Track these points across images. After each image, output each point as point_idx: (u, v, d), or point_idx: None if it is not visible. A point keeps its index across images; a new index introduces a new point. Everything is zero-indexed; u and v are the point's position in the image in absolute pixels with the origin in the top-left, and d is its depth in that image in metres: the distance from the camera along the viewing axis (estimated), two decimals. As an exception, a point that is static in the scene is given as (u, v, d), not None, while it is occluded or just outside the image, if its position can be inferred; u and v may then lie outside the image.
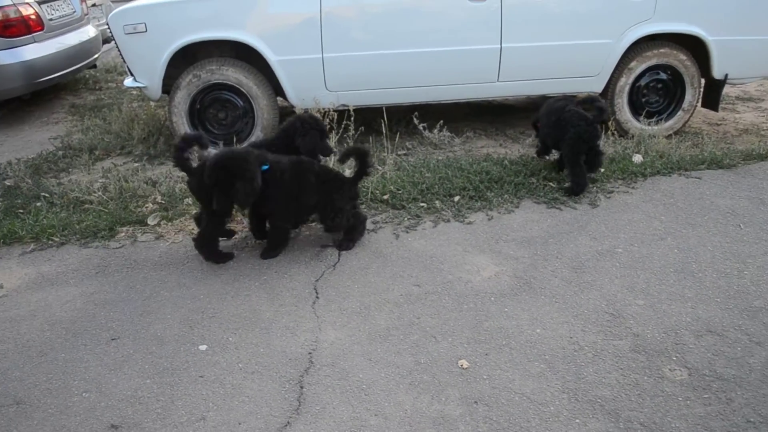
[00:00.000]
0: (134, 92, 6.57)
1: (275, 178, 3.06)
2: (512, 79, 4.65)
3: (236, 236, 3.46)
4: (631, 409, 2.21)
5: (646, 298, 2.81)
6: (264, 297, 2.92)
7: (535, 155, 4.30)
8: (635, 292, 2.85)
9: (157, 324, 2.75)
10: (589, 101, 3.92)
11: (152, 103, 5.61)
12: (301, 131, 3.37)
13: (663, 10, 4.65)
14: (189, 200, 3.80)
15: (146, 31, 4.40)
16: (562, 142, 3.78)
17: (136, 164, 4.66)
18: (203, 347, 2.60)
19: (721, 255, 3.14)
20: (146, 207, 3.78)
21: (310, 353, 2.53)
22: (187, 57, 4.56)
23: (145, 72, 4.55)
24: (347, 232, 3.28)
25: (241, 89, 4.55)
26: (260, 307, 2.85)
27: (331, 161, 3.82)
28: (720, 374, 2.36)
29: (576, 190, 3.74)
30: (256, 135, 4.61)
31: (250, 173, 2.88)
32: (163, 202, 3.83)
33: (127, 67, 4.63)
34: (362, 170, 3.21)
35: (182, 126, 4.60)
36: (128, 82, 4.68)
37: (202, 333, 2.68)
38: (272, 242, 3.25)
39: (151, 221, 3.64)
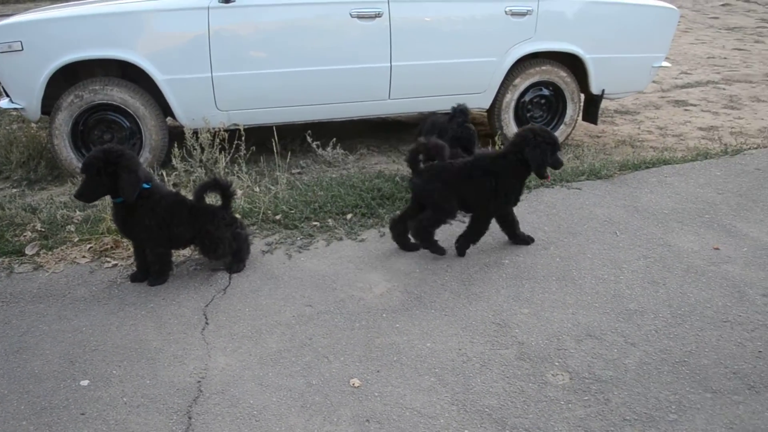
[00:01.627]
0: (13, 113, 6.23)
1: (150, 205, 2.98)
2: (403, 96, 4.75)
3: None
4: (517, 416, 2.28)
5: (530, 307, 2.93)
6: (151, 326, 2.83)
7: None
8: (520, 302, 2.97)
9: (35, 360, 2.61)
10: (459, 113, 4.05)
11: (33, 125, 5.34)
12: (533, 143, 3.21)
13: (543, 30, 4.90)
14: (72, 227, 3.63)
15: (22, 49, 4.19)
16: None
17: (14, 190, 4.42)
18: (85, 382, 2.48)
19: (599, 262, 3.32)
20: (24, 236, 3.58)
21: (199, 382, 2.47)
22: (68, 76, 4.38)
23: (23, 93, 4.33)
24: (235, 255, 3.23)
25: (127, 109, 4.41)
26: (147, 336, 2.76)
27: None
28: (599, 376, 2.49)
29: None
30: (144, 157, 4.47)
31: None
32: (43, 229, 3.64)
33: (2, 87, 4.39)
34: (226, 196, 3.15)
35: (64, 149, 4.40)
36: (3, 103, 4.43)
37: (84, 367, 2.57)
38: (154, 268, 3.15)
39: (29, 251, 3.45)
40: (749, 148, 5.11)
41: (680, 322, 2.83)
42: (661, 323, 2.81)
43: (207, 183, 3.15)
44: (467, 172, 3.27)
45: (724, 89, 7.91)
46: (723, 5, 17.10)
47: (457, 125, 4.01)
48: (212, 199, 3.44)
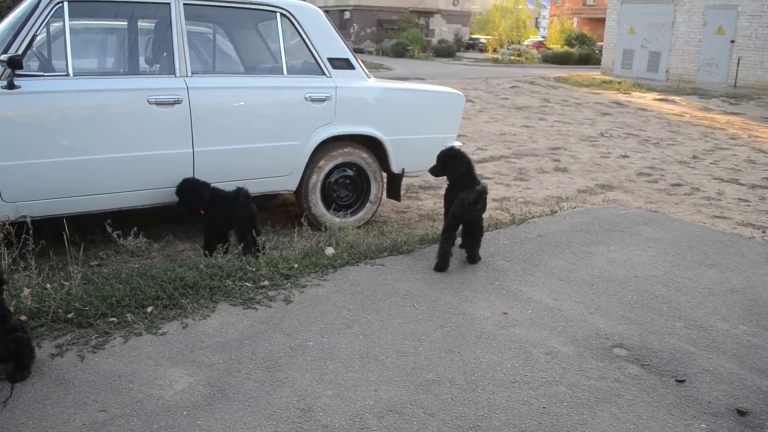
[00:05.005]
0: None
1: None
2: (209, 181, 4.72)
3: None
4: (320, 502, 2.28)
5: (334, 388, 2.97)
6: None
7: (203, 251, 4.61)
8: (324, 383, 3.00)
9: None
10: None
11: None
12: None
13: (342, 115, 5.16)
14: None
15: None
16: (234, 224, 4.53)
17: None
18: None
19: (400, 335, 3.46)
20: None
21: None
22: None
23: None
24: (17, 360, 2.96)
25: None
26: None
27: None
28: (400, 451, 2.56)
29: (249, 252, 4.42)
30: None
31: None
32: None
33: None
34: None
35: None
36: None
37: None
38: None
39: None
40: (533, 217, 5.66)
41: (474, 387, 3.01)
42: (456, 390, 2.97)
43: None
44: None
45: (514, 163, 8.75)
46: (512, 87, 19.07)
47: (242, 205, 4.51)
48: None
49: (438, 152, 4.64)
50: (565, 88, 19.55)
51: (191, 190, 4.55)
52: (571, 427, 2.75)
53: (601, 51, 30.62)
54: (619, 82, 21.29)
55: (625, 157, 9.35)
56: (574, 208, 6.19)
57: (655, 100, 17.06)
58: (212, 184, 4.62)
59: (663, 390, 3.04)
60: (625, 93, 18.75)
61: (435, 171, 4.72)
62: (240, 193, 4.53)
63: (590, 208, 6.14)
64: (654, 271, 4.43)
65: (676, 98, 17.63)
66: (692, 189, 7.53)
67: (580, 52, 37.90)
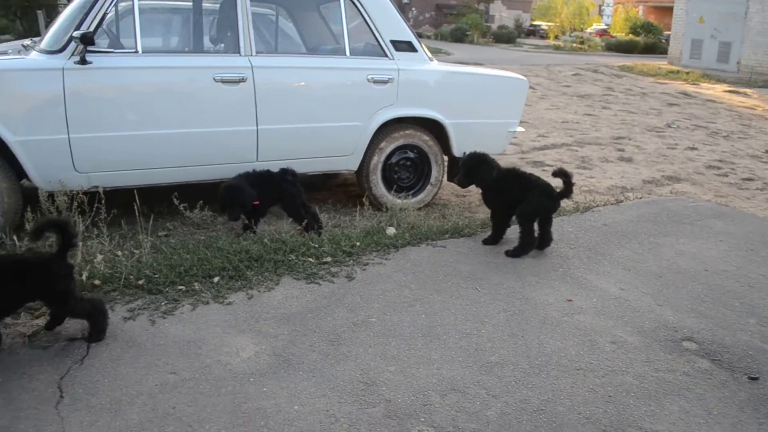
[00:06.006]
0: None
1: None
2: (271, 158, 4.78)
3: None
4: (383, 475, 2.30)
5: (397, 364, 2.98)
6: (-2, 403, 2.62)
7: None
8: (387, 359, 3.01)
9: None
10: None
11: None
12: None
13: (404, 97, 5.14)
14: None
15: None
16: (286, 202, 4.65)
17: None
18: None
19: (462, 316, 3.45)
20: None
21: (49, 462, 2.30)
22: None
23: None
24: (93, 322, 3.07)
25: (-24, 172, 4.14)
26: (-8, 415, 2.54)
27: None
28: (462, 429, 2.56)
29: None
30: (-5, 221, 4.19)
31: None
32: None
33: None
34: (66, 242, 2.97)
35: None
36: None
37: None
38: None
39: None
40: (597, 206, 5.54)
41: (537, 371, 2.97)
42: (520, 374, 2.95)
43: (47, 223, 2.99)
44: None
45: (576, 151, 8.57)
46: (574, 75, 18.66)
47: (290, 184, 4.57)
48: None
49: (500, 136, 4.51)
50: (630, 77, 19.03)
51: (236, 195, 4.38)
52: (638, 417, 2.69)
53: (667, 40, 29.69)
54: (687, 73, 20.58)
55: (693, 149, 9.05)
56: (641, 198, 6.04)
57: (725, 91, 16.44)
58: (252, 170, 4.62)
59: (735, 386, 2.94)
60: (693, 84, 18.14)
61: (462, 181, 4.56)
62: (287, 173, 4.57)
63: (658, 199, 5.98)
64: (725, 266, 4.28)
65: (748, 90, 16.96)
66: (765, 184, 7.24)
67: (646, 41, 36.76)
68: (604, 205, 5.61)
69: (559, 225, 4.89)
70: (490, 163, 4.43)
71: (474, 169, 4.46)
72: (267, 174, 4.58)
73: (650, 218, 5.21)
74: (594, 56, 30.78)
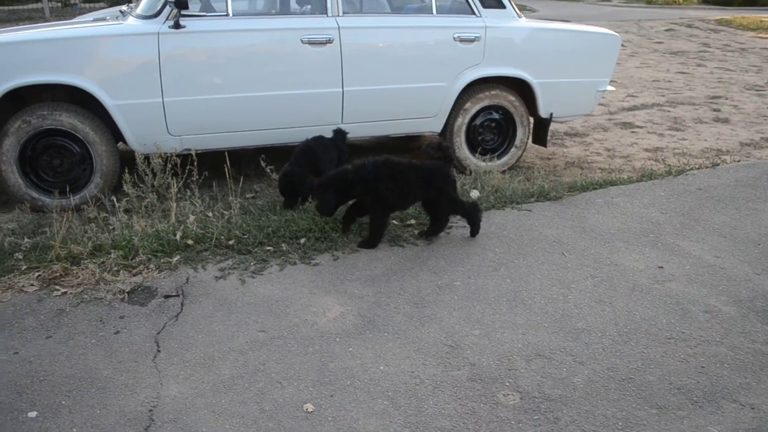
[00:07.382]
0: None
1: None
2: (356, 120, 4.80)
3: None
4: (468, 437, 2.31)
5: (481, 328, 2.97)
6: (101, 354, 2.78)
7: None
8: (471, 323, 3.01)
9: (-21, 393, 2.54)
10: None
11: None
12: None
13: (491, 56, 5.02)
14: (19, 255, 3.56)
15: (-35, 74, 4.11)
16: None
17: (-42, 218, 4.30)
18: (33, 414, 2.42)
19: (548, 282, 3.39)
20: (-31, 265, 3.49)
21: (150, 410, 2.44)
22: (15, 101, 4.30)
23: (-33, 118, 4.23)
24: (472, 220, 3.86)
25: (77, 135, 4.35)
26: (97, 365, 2.71)
27: None
28: (548, 395, 2.54)
29: None
30: (95, 182, 4.41)
31: None
32: (-12, 258, 3.55)
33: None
34: (448, 158, 3.92)
35: (12, 174, 4.31)
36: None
37: (32, 398, 2.51)
38: None
39: (-27, 280, 3.36)
40: (691, 169, 5.30)
41: (626, 339, 2.91)
42: (607, 341, 2.89)
43: (437, 142, 3.94)
44: None
45: (668, 111, 8.19)
46: (667, 30, 17.75)
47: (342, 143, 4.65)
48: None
49: (589, 96, 4.30)
50: (728, 32, 17.91)
51: (295, 182, 4.30)
52: (733, 389, 2.59)
53: (771, -9, 27.67)
54: (792, 26, 19.20)
55: (797, 108, 8.49)
56: (738, 161, 5.72)
57: (835, 46, 15.26)
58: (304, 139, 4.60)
59: (839, 360, 2.79)
60: (799, 38, 16.91)
61: None
62: (339, 135, 4.70)
63: (757, 162, 5.65)
64: (832, 233, 4.03)
65: None
66: None
67: (746, -8, 34.39)
68: (698, 168, 5.36)
69: (650, 189, 4.72)
70: None
71: None
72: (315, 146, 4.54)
73: (749, 182, 4.94)
74: (689, 10, 29.07)
